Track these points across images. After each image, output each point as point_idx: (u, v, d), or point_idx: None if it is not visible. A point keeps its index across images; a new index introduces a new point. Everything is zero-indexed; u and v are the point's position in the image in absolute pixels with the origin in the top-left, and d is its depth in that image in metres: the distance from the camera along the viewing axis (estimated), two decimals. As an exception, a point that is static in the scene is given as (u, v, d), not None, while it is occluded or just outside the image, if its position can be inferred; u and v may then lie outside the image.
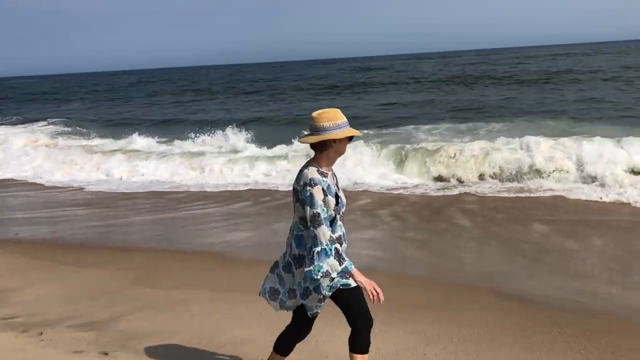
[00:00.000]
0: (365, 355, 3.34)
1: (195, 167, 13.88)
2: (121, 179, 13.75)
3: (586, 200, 9.05)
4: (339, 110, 3.24)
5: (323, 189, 3.15)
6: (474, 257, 6.88)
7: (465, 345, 4.48)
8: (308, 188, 3.12)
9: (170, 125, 22.93)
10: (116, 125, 24.15)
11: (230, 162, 13.80)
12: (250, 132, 16.28)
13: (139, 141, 17.08)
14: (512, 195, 9.79)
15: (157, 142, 17.30)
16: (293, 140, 13.75)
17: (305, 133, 3.32)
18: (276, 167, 13.13)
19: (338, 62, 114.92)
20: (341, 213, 3.28)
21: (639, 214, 8.24)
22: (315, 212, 3.10)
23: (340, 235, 3.27)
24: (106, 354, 4.42)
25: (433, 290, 5.74)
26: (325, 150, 3.22)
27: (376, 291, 3.13)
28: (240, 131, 16.30)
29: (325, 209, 3.13)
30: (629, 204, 8.67)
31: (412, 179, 11.52)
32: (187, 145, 16.33)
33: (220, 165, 13.64)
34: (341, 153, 3.28)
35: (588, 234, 7.39)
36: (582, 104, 20.33)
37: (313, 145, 3.22)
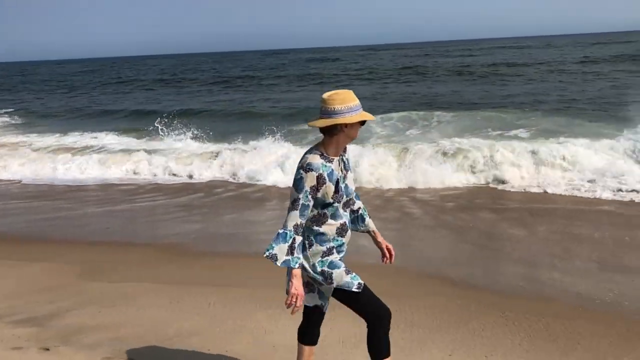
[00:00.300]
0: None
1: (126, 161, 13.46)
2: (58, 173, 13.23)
3: (532, 192, 9.33)
4: (351, 92, 3.01)
5: (319, 176, 2.97)
6: (424, 244, 7.01)
7: (411, 330, 4.57)
8: (301, 171, 2.98)
9: (111, 116, 22.55)
10: (66, 116, 23.55)
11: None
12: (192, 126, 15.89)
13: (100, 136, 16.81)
14: (461, 185, 10.04)
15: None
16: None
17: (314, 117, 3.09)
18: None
19: (292, 52, 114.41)
20: (343, 201, 3.12)
21: (577, 202, 8.55)
22: (296, 196, 2.96)
23: (344, 222, 3.17)
24: (47, 349, 4.30)
25: (383, 277, 5.79)
26: (336, 135, 3.01)
27: (294, 301, 3.02)
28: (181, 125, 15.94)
29: (309, 196, 2.97)
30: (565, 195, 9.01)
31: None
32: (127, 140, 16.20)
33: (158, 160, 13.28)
34: (352, 138, 3.08)
35: (532, 222, 7.62)
36: (526, 97, 20.85)
37: (323, 129, 3.02)
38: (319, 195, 3.01)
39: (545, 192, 9.19)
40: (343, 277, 3.16)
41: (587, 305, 4.99)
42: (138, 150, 13.96)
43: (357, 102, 3.00)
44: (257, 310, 5.00)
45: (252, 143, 13.20)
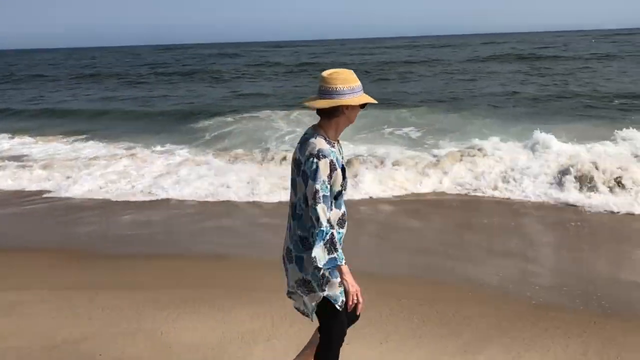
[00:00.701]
0: None
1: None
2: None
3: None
4: (352, 71, 2.82)
5: (331, 162, 2.73)
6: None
7: (311, 323, 4.60)
8: (315, 160, 2.70)
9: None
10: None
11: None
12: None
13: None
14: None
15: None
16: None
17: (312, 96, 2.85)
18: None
19: (191, 47, 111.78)
20: (346, 188, 2.92)
21: (468, 198, 9.01)
22: (316, 187, 2.67)
23: (344, 212, 2.94)
24: None
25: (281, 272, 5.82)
26: (336, 117, 2.80)
27: (357, 300, 2.72)
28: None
29: (327, 186, 2.72)
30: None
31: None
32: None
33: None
34: (351, 122, 2.88)
35: (427, 214, 7.96)
36: (421, 95, 21.71)
37: (321, 110, 2.80)
38: (331, 183, 2.77)
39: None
40: (335, 288, 2.90)
41: (476, 289, 5.28)
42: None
43: (359, 82, 2.81)
44: (154, 312, 4.85)
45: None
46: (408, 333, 4.40)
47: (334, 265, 2.71)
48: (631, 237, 6.83)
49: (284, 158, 11.06)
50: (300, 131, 14.51)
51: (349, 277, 2.71)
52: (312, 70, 34.42)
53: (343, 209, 2.93)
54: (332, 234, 2.68)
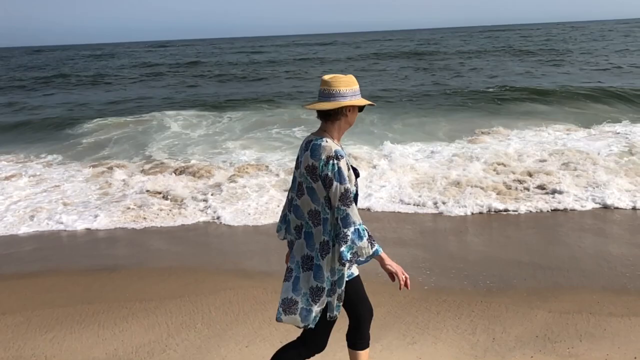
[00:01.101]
0: (368, 350, 3.13)
1: None
2: None
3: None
4: (352, 75, 2.87)
5: (347, 163, 2.79)
6: (221, 241, 6.97)
7: (209, 327, 4.50)
8: (335, 162, 2.73)
9: None
10: None
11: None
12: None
13: None
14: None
15: None
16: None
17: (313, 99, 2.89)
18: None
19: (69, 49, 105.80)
20: (357, 188, 2.93)
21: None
22: (345, 187, 2.71)
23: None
24: None
25: (177, 280, 5.63)
26: (338, 120, 2.85)
27: (405, 276, 2.84)
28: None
29: (350, 185, 2.76)
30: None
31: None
32: None
33: None
34: (351, 124, 2.93)
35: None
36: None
37: (323, 114, 2.84)
38: (352, 185, 2.81)
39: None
40: (335, 299, 2.90)
41: (372, 279, 5.39)
42: None
43: (357, 85, 2.87)
44: (36, 336, 4.49)
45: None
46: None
47: (376, 255, 2.79)
48: (478, 231, 7.33)
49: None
50: (187, 134, 14.28)
51: (390, 262, 2.83)
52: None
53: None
54: (365, 229, 2.75)
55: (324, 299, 2.87)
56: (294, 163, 3.02)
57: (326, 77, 2.85)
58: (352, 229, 2.71)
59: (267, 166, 10.07)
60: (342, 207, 2.71)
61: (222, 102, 19.49)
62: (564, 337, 4.12)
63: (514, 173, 8.67)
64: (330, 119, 2.85)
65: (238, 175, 9.55)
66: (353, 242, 2.71)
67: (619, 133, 11.62)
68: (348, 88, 2.81)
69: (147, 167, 10.81)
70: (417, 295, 4.95)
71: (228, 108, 17.92)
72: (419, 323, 4.44)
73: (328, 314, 2.91)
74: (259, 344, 4.21)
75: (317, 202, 2.82)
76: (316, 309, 2.87)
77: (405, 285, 2.84)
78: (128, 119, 16.48)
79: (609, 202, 7.36)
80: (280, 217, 3.15)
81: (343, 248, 2.71)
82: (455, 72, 26.76)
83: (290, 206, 3.01)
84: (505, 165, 9.17)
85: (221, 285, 5.39)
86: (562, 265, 5.52)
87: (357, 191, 2.89)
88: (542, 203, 7.50)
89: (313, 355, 3.05)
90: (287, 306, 2.89)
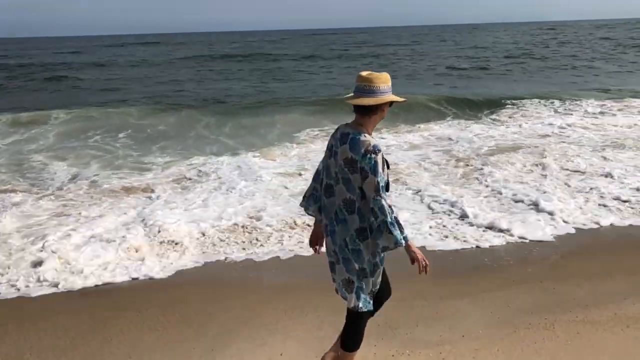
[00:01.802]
0: None
1: None
2: None
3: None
4: (386, 73, 3.09)
5: (384, 156, 3.03)
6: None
7: (40, 356, 4.08)
8: (372, 156, 2.97)
9: None
10: None
11: None
12: None
13: None
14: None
15: None
16: None
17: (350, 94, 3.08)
18: None
19: None
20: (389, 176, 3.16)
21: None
22: (378, 180, 2.97)
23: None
24: None
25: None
26: (374, 115, 3.08)
27: (425, 262, 3.07)
28: None
29: (384, 177, 3.01)
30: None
31: None
32: None
33: None
34: (382, 119, 3.17)
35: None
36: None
37: (362, 109, 3.05)
38: (385, 174, 3.04)
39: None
40: (378, 276, 3.26)
41: (217, 286, 5.30)
42: None
43: (391, 83, 3.08)
44: None
45: None
46: (153, 343, 4.20)
47: (405, 241, 3.02)
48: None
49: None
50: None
51: (415, 248, 3.09)
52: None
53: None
54: (396, 218, 3.01)
55: (369, 279, 3.19)
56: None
57: (364, 73, 3.05)
58: (388, 218, 2.97)
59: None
60: (377, 198, 2.98)
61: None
62: (403, 323, 4.39)
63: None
64: (369, 113, 3.07)
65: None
66: (390, 231, 2.98)
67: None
68: (386, 85, 3.04)
69: None
70: (263, 296, 4.96)
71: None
72: (268, 324, 4.45)
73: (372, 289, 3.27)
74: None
75: (353, 191, 3.08)
76: (365, 288, 3.20)
77: (425, 270, 3.08)
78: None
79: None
80: (307, 194, 3.41)
81: (381, 236, 3.00)
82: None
83: (325, 191, 3.23)
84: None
85: (52, 309, 4.92)
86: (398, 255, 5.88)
87: (388, 180, 3.10)
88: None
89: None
90: (346, 285, 3.20)
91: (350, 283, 3.18)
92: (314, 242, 3.54)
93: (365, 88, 3.03)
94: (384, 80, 3.04)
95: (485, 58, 35.26)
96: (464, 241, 6.17)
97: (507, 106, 16.58)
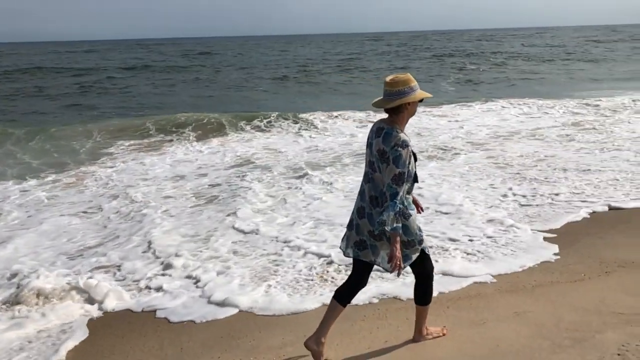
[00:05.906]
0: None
1: None
2: None
3: None
4: (409, 74, 3.39)
5: (412, 150, 3.36)
6: None
7: None
8: (399, 149, 3.30)
9: None
10: None
11: None
12: None
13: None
14: None
15: None
16: None
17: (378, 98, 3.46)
18: None
19: None
20: (415, 168, 3.48)
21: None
22: (400, 171, 3.29)
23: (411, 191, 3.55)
24: None
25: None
26: (402, 113, 3.41)
27: (398, 263, 3.35)
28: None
29: (407, 169, 3.31)
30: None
31: None
32: None
33: None
34: (413, 114, 3.49)
35: None
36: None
37: (389, 109, 3.41)
38: (410, 168, 3.35)
39: None
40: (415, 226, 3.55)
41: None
42: None
43: (415, 82, 3.39)
44: None
45: None
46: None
47: (395, 231, 3.32)
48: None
49: None
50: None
51: (397, 246, 3.34)
52: None
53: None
54: (401, 208, 3.32)
55: (417, 247, 3.56)
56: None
57: (387, 78, 3.40)
58: (393, 202, 3.28)
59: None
60: (394, 185, 3.30)
61: None
62: (246, 332, 4.38)
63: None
64: (396, 112, 3.41)
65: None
66: (388, 213, 3.28)
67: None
68: (406, 86, 3.35)
69: None
70: (101, 322, 4.70)
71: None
72: (104, 351, 4.22)
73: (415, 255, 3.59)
74: None
75: (374, 172, 3.45)
76: (413, 255, 3.56)
77: (395, 270, 3.36)
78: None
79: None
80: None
81: (382, 213, 3.32)
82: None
83: (366, 180, 3.55)
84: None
85: None
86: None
87: (415, 172, 3.45)
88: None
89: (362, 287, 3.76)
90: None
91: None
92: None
93: (387, 92, 3.41)
94: (403, 83, 3.36)
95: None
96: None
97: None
